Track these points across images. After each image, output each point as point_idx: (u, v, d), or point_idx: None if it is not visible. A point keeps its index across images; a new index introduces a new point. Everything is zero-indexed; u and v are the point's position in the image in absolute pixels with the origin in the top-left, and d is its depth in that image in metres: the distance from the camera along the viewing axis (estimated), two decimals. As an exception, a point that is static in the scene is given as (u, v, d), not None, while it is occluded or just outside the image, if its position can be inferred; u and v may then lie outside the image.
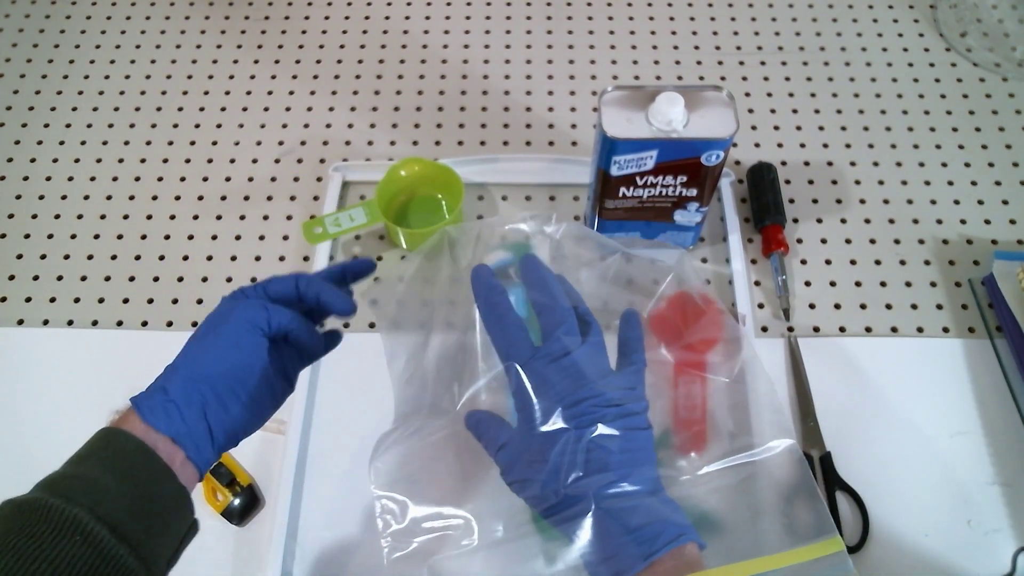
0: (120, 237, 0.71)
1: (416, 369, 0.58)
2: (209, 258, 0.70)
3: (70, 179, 0.75)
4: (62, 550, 0.34)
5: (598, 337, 0.48)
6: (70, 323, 0.67)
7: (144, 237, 0.71)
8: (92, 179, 0.75)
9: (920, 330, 0.65)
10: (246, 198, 0.74)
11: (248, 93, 0.81)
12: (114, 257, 0.70)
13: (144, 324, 0.66)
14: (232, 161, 0.76)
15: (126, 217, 0.73)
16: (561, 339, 0.46)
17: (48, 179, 0.75)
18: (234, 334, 0.44)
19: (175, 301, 0.67)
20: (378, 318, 0.64)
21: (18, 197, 0.74)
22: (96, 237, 0.71)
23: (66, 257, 0.70)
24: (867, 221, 0.71)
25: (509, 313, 0.47)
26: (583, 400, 0.44)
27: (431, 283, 0.64)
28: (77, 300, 0.68)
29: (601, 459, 0.43)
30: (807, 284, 0.68)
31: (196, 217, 0.72)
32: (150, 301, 0.68)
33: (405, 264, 0.65)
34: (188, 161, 0.76)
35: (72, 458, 0.40)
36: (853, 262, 0.69)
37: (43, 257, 0.70)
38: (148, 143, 0.77)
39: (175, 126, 0.79)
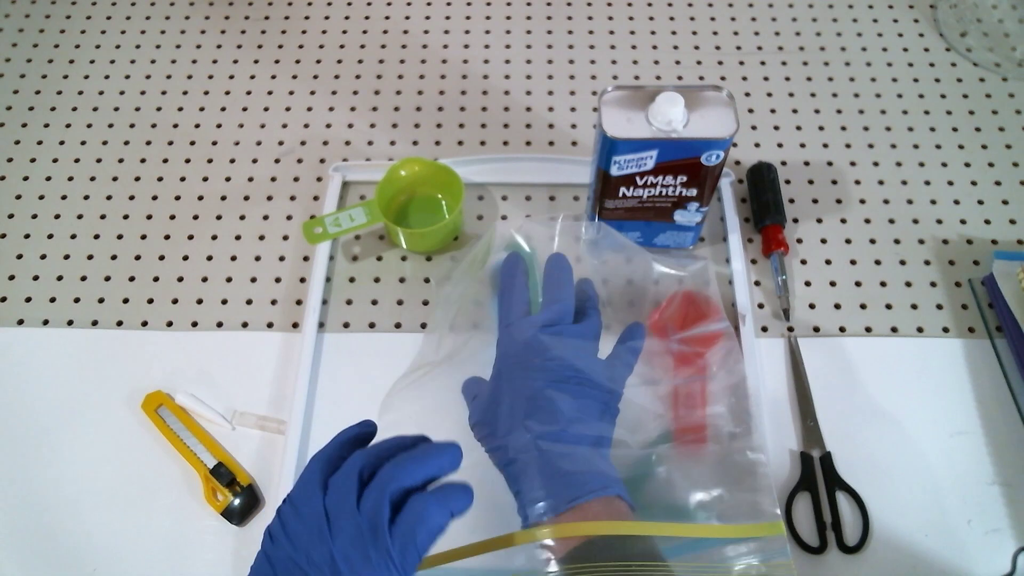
0: (120, 237, 0.71)
1: (434, 326, 0.63)
2: (209, 258, 0.70)
3: (70, 179, 0.75)
4: None
5: (592, 326, 0.52)
6: (70, 323, 0.67)
7: (144, 237, 0.71)
8: (92, 179, 0.75)
9: (920, 330, 0.65)
10: (246, 198, 0.74)
11: (248, 93, 0.81)
12: (114, 257, 0.70)
13: (144, 324, 0.66)
14: (232, 161, 0.76)
15: (126, 217, 0.73)
16: (548, 311, 0.51)
17: (48, 179, 0.75)
18: None
19: (175, 301, 0.68)
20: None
21: (18, 197, 0.74)
22: (96, 237, 0.71)
23: (66, 257, 0.70)
24: (867, 221, 0.71)
25: (519, 287, 0.54)
26: (551, 360, 0.48)
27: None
28: (77, 300, 0.68)
29: (548, 410, 0.47)
30: (807, 284, 0.68)
31: (196, 217, 0.72)
32: (150, 301, 0.68)
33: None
34: (188, 161, 0.76)
35: None
36: (853, 262, 0.69)
37: (43, 257, 0.70)
38: (148, 143, 0.77)
39: (175, 126, 0.79)
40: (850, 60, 0.82)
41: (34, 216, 0.73)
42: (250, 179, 0.75)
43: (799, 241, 0.70)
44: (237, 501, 0.57)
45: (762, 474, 0.53)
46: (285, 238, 0.71)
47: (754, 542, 0.47)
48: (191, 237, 0.71)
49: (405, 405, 0.57)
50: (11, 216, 0.73)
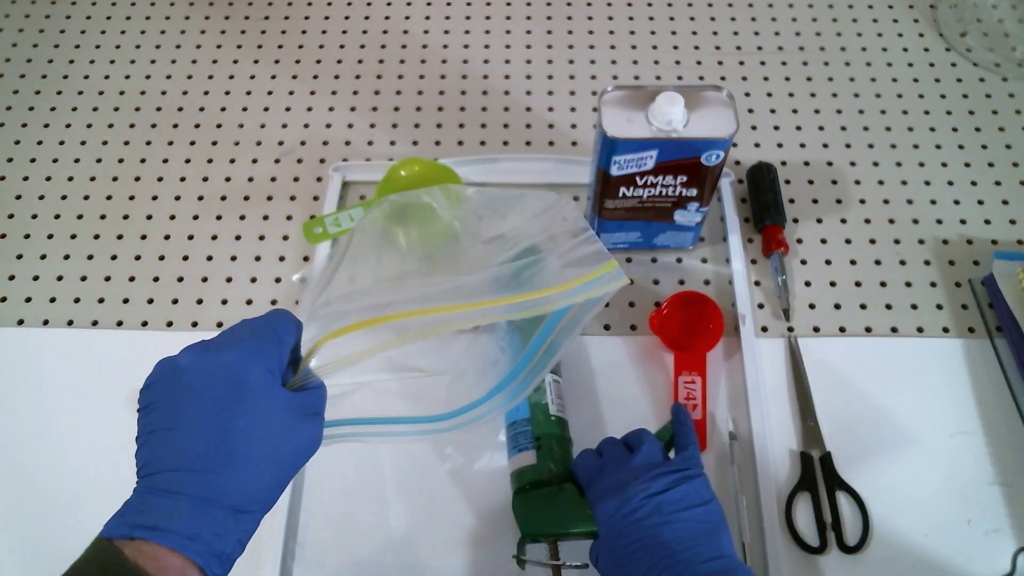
0: (120, 237, 0.71)
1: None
2: (209, 258, 0.70)
3: (70, 179, 0.75)
4: None
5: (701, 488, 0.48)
6: (70, 323, 0.67)
7: (144, 237, 0.71)
8: (92, 179, 0.75)
9: (920, 330, 0.65)
10: (246, 198, 0.74)
11: (248, 93, 0.81)
12: (114, 257, 0.70)
13: (144, 324, 0.66)
14: (232, 161, 0.76)
15: (126, 217, 0.73)
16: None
17: (48, 179, 0.75)
18: (281, 431, 0.38)
19: (175, 301, 0.67)
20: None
21: (18, 197, 0.74)
22: (96, 237, 0.71)
23: (66, 257, 0.70)
24: (867, 221, 0.71)
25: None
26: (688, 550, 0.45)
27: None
28: (77, 300, 0.68)
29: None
30: (807, 284, 0.68)
31: (196, 217, 0.72)
32: (150, 301, 0.68)
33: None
34: (188, 161, 0.76)
35: None
36: (853, 262, 0.69)
37: (43, 257, 0.70)
38: (148, 143, 0.77)
39: (175, 126, 0.79)
40: (850, 60, 0.82)
41: (34, 216, 0.73)
42: (250, 179, 0.75)
43: (799, 241, 0.70)
44: (237, 501, 0.57)
45: (589, 237, 0.50)
46: (285, 238, 0.71)
47: (594, 282, 0.47)
48: (191, 237, 0.71)
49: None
50: (11, 216, 0.73)
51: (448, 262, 0.54)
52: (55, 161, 0.76)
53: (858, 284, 0.68)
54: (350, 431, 0.48)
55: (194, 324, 0.66)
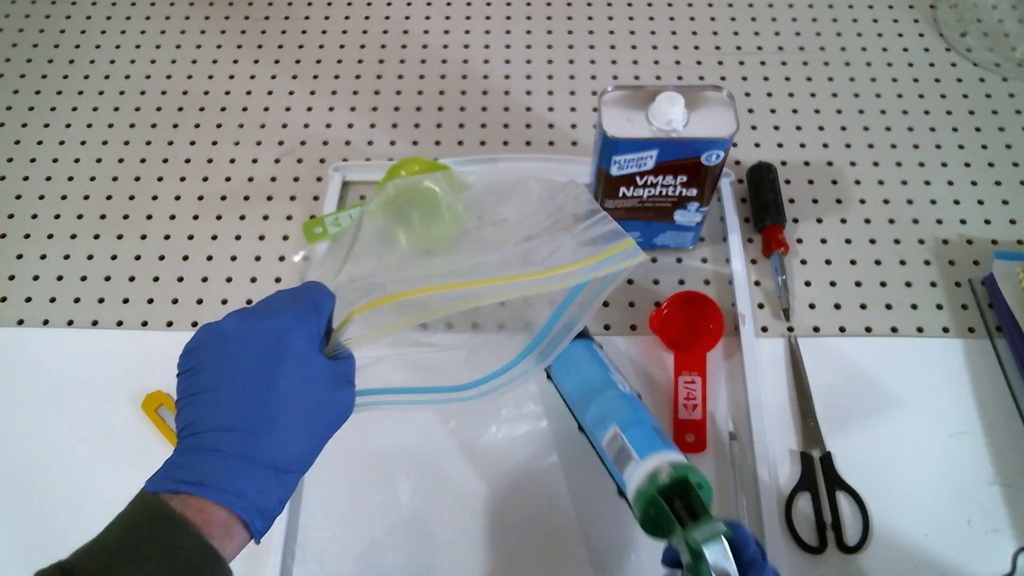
0: (120, 237, 0.71)
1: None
2: (209, 258, 0.70)
3: (70, 179, 0.75)
4: None
5: None
6: (70, 323, 0.67)
7: (144, 237, 0.71)
8: (92, 179, 0.75)
9: (920, 330, 0.65)
10: (246, 198, 0.74)
11: (248, 93, 0.81)
12: (114, 257, 0.70)
13: (144, 324, 0.66)
14: (232, 161, 0.76)
15: (126, 217, 0.73)
16: None
17: (48, 179, 0.75)
18: (323, 397, 0.40)
19: (175, 301, 0.67)
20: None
21: (18, 197, 0.74)
22: (96, 237, 0.71)
23: (66, 257, 0.70)
24: (867, 221, 0.71)
25: None
26: None
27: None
28: (77, 300, 0.68)
29: None
30: (807, 284, 0.68)
31: (196, 217, 0.72)
32: (150, 301, 0.68)
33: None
34: (188, 161, 0.76)
35: (114, 542, 0.35)
36: (853, 262, 0.69)
37: (43, 257, 0.70)
38: (148, 143, 0.77)
39: (175, 126, 0.79)
40: (850, 60, 0.82)
41: (34, 216, 0.73)
42: (250, 179, 0.75)
43: (799, 241, 0.70)
44: (237, 501, 0.57)
45: (603, 217, 0.51)
46: (285, 238, 0.71)
47: (612, 258, 0.48)
48: (191, 237, 0.71)
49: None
50: (11, 216, 0.73)
51: (463, 242, 0.55)
52: (55, 161, 0.76)
53: (858, 284, 0.68)
54: (377, 399, 0.49)
55: (194, 324, 0.66)
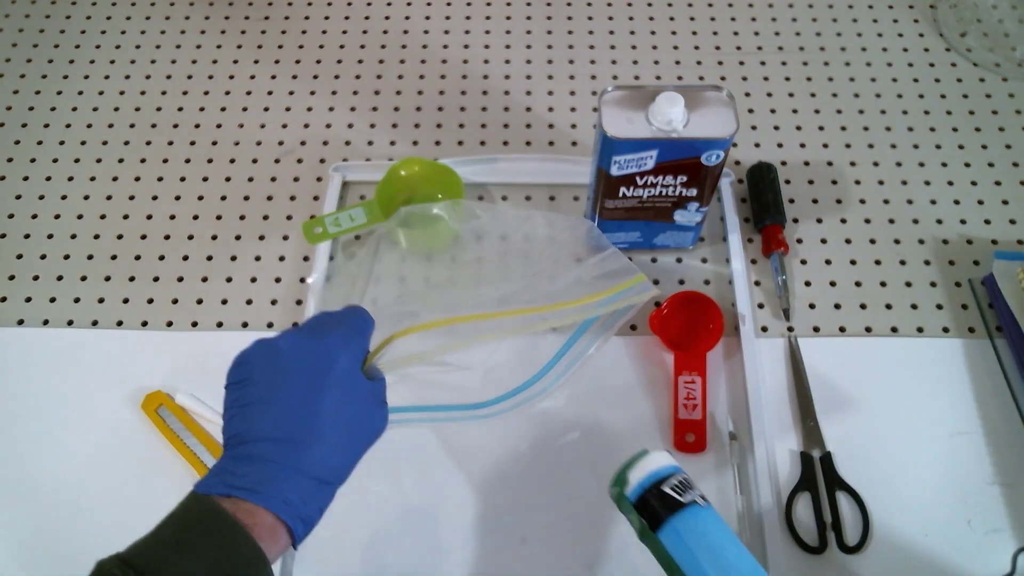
0: (120, 237, 0.71)
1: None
2: (209, 258, 0.70)
3: (70, 179, 0.75)
4: None
5: None
6: (70, 323, 0.67)
7: (144, 237, 0.71)
8: (92, 179, 0.75)
9: (920, 330, 0.65)
10: (246, 198, 0.74)
11: (248, 93, 0.81)
12: (114, 257, 0.70)
13: (144, 324, 0.66)
14: (232, 161, 0.76)
15: (126, 217, 0.73)
16: None
17: (48, 179, 0.75)
18: (364, 414, 0.43)
19: (175, 301, 0.67)
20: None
21: (18, 197, 0.74)
22: (96, 237, 0.71)
23: (66, 257, 0.70)
24: (867, 221, 0.71)
25: None
26: None
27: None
28: (77, 300, 0.68)
29: None
30: (807, 284, 0.68)
31: (196, 217, 0.72)
32: (150, 301, 0.68)
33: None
34: (188, 161, 0.76)
35: (171, 538, 0.36)
36: (853, 262, 0.69)
37: (43, 257, 0.70)
38: (148, 143, 0.77)
39: (175, 126, 0.79)
40: (850, 60, 0.82)
41: (34, 216, 0.73)
42: (250, 179, 0.75)
43: (799, 241, 0.70)
44: (237, 501, 0.57)
45: (621, 261, 0.56)
46: (285, 238, 0.71)
47: (625, 292, 0.53)
48: (191, 237, 0.71)
49: None
50: (11, 216, 0.73)
51: (480, 271, 0.62)
52: (55, 161, 0.76)
53: (858, 284, 0.68)
54: (403, 417, 0.51)
55: (194, 324, 0.66)
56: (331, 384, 0.40)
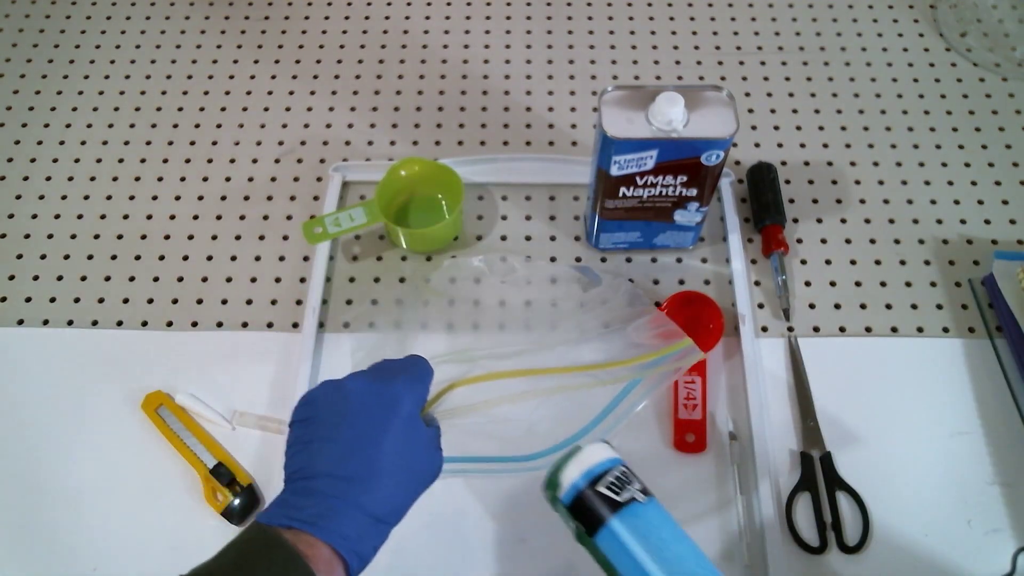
0: (120, 237, 0.71)
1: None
2: (209, 258, 0.70)
3: (70, 179, 0.75)
4: None
5: None
6: (70, 323, 0.67)
7: (144, 237, 0.71)
8: (92, 179, 0.75)
9: (920, 330, 0.65)
10: (246, 198, 0.74)
11: (248, 93, 0.81)
12: (114, 257, 0.70)
13: (144, 324, 0.66)
14: (232, 161, 0.76)
15: (126, 217, 0.73)
16: None
17: (48, 179, 0.75)
18: (423, 457, 0.44)
19: (175, 301, 0.67)
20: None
21: (18, 197, 0.74)
22: (96, 237, 0.71)
23: (66, 257, 0.70)
24: (867, 221, 0.71)
25: None
26: None
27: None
28: (77, 300, 0.68)
29: None
30: (807, 284, 0.68)
31: (196, 217, 0.72)
32: (150, 301, 0.68)
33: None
34: (188, 161, 0.76)
35: (232, 565, 0.38)
36: (853, 262, 0.69)
37: (43, 257, 0.70)
38: (148, 143, 0.77)
39: (175, 126, 0.79)
40: (850, 60, 0.82)
41: (34, 216, 0.73)
42: (250, 179, 0.75)
43: (799, 241, 0.70)
44: (237, 501, 0.57)
45: (666, 324, 0.58)
46: (285, 238, 0.71)
47: (669, 356, 0.55)
48: (191, 237, 0.71)
49: None
50: (11, 216, 0.73)
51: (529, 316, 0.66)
52: (55, 161, 0.76)
53: (858, 284, 0.68)
54: (456, 467, 0.52)
55: (194, 324, 0.66)
56: (394, 426, 0.42)
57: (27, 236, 0.72)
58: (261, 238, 0.71)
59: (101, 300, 0.68)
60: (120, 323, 0.66)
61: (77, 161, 0.76)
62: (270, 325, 0.66)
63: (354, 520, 0.39)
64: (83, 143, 0.77)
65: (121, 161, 0.76)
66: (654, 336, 0.58)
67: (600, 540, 0.41)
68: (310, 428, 0.42)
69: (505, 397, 0.49)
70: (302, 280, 0.68)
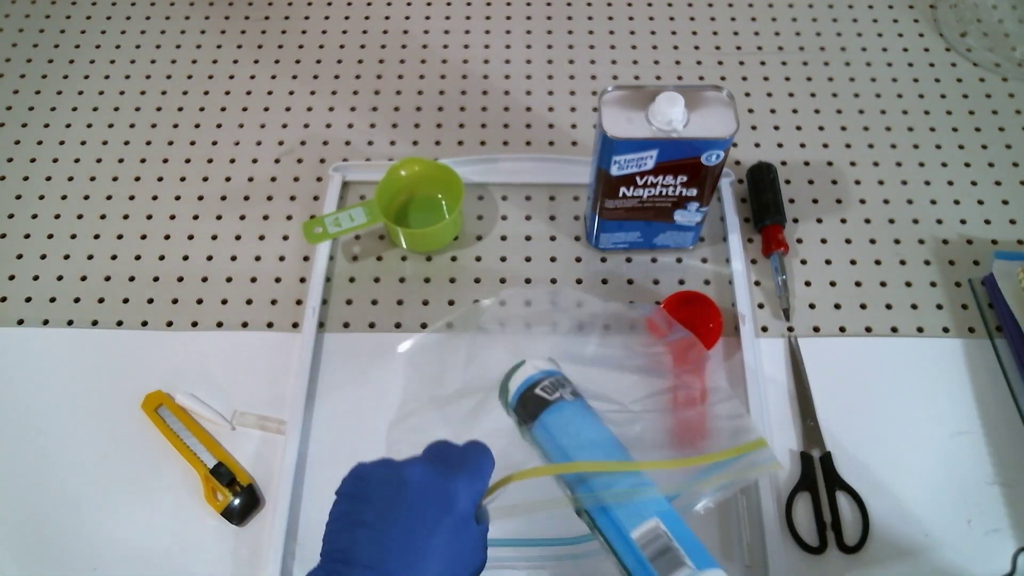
0: (120, 237, 0.71)
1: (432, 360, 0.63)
2: (209, 258, 0.70)
3: (70, 179, 0.75)
4: None
5: None
6: (70, 323, 0.67)
7: (144, 237, 0.71)
8: (92, 179, 0.75)
9: (920, 330, 0.65)
10: (246, 198, 0.74)
11: (248, 93, 0.81)
12: (114, 257, 0.70)
13: (144, 324, 0.66)
14: (232, 161, 0.76)
15: (126, 217, 0.73)
16: None
17: (48, 179, 0.75)
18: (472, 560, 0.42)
19: (175, 301, 0.68)
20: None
21: (18, 197, 0.74)
22: (96, 237, 0.71)
23: (66, 257, 0.70)
24: (867, 221, 0.71)
25: None
26: None
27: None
28: (77, 300, 0.68)
29: None
30: (807, 284, 0.68)
31: (196, 217, 0.72)
32: (150, 301, 0.68)
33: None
34: (188, 161, 0.76)
35: None
36: (853, 262, 0.69)
37: (43, 257, 0.70)
38: (148, 143, 0.77)
39: (175, 126, 0.79)
40: (850, 60, 0.82)
41: (34, 216, 0.73)
42: (250, 179, 0.75)
43: (799, 241, 0.70)
44: (237, 501, 0.57)
45: (738, 410, 0.54)
46: (285, 238, 0.71)
47: (743, 457, 0.50)
48: (191, 237, 0.71)
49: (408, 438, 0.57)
50: (11, 216, 0.73)
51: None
52: (55, 161, 0.76)
53: (858, 284, 0.68)
54: (501, 554, 0.52)
55: (194, 324, 0.66)
56: (445, 527, 0.40)
57: (27, 236, 0.72)
58: (261, 238, 0.71)
59: (101, 300, 0.68)
60: (120, 323, 0.67)
61: (77, 161, 0.76)
62: (270, 325, 0.66)
63: None
64: (83, 143, 0.77)
65: (121, 161, 0.76)
66: (730, 427, 0.53)
67: (535, 431, 0.50)
68: (359, 508, 0.41)
69: (558, 501, 0.47)
70: (302, 280, 0.68)
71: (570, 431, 0.49)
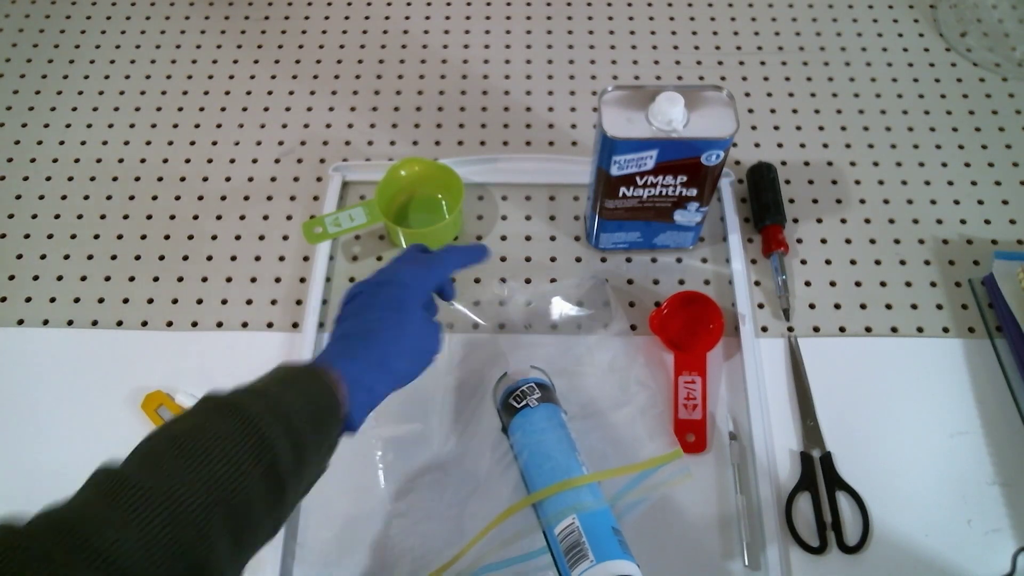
0: (120, 237, 0.71)
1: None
2: (209, 258, 0.70)
3: (70, 179, 0.75)
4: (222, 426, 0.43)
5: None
6: (70, 323, 0.67)
7: (144, 237, 0.71)
8: (92, 179, 0.75)
9: (920, 330, 0.65)
10: (246, 198, 0.74)
11: (248, 93, 0.81)
12: (114, 257, 0.70)
13: (144, 324, 0.66)
14: (232, 161, 0.76)
15: (126, 217, 0.73)
16: None
17: (48, 179, 0.75)
18: (418, 335, 0.51)
19: (175, 301, 0.67)
20: None
21: (18, 197, 0.74)
22: (96, 237, 0.71)
23: (66, 257, 0.70)
24: (867, 221, 0.71)
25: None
26: None
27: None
28: (77, 300, 0.68)
29: None
30: (807, 284, 0.68)
31: (196, 217, 0.72)
32: (150, 301, 0.68)
33: None
34: (188, 161, 0.76)
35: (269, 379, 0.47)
36: (853, 262, 0.69)
37: (43, 257, 0.70)
38: (148, 143, 0.77)
39: (175, 126, 0.79)
40: (850, 60, 0.82)
41: (34, 216, 0.73)
42: (250, 179, 0.75)
43: (799, 241, 0.70)
44: (237, 501, 0.57)
45: (658, 417, 0.59)
46: (285, 238, 0.71)
47: (661, 468, 0.57)
48: (191, 237, 0.71)
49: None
50: (11, 216, 0.73)
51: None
52: (55, 161, 0.76)
53: (858, 284, 0.68)
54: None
55: (194, 324, 0.66)
56: (402, 311, 0.50)
57: (27, 236, 0.72)
58: (261, 238, 0.71)
59: (101, 300, 0.68)
60: (120, 323, 0.67)
61: (77, 161, 0.76)
62: (270, 325, 0.66)
63: (365, 368, 0.48)
64: (83, 143, 0.77)
65: (121, 161, 0.76)
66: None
67: (509, 433, 0.57)
68: (346, 309, 0.51)
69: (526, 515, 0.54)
70: (302, 280, 0.68)
71: (532, 436, 0.55)
